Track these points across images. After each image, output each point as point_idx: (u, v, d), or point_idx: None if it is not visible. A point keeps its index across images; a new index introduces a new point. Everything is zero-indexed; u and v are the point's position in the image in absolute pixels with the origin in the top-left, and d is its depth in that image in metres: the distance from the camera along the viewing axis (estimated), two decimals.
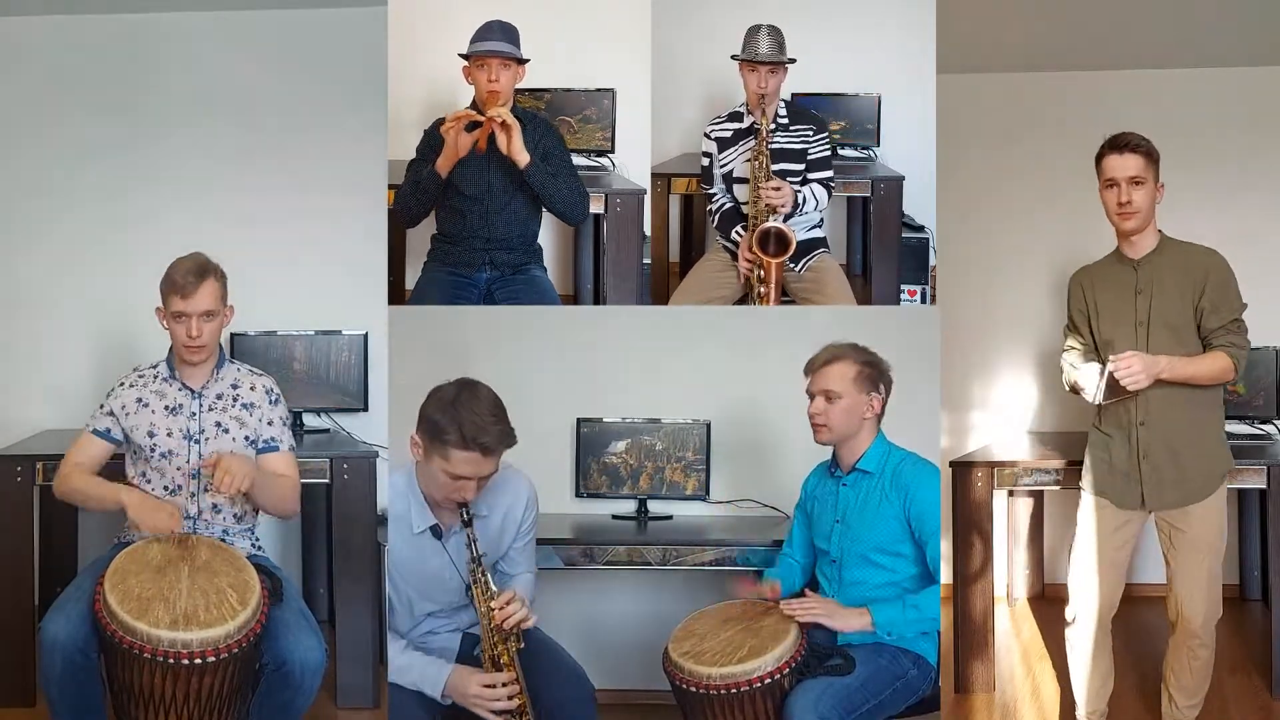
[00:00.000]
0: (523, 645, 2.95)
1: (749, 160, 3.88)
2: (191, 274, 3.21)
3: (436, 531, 2.97)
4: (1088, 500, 3.54)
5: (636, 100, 4.36)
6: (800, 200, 3.88)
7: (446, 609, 3.11)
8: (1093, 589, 3.49)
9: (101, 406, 3.33)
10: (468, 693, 2.90)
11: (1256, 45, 5.03)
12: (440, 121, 3.70)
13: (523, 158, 3.66)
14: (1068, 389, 3.58)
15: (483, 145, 3.64)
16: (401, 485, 3.03)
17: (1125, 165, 3.34)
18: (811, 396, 3.18)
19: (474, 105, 3.74)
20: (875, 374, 3.17)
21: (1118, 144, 3.36)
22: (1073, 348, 3.56)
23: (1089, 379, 3.40)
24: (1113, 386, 3.29)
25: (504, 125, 3.61)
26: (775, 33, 3.84)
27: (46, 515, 4.44)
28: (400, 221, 3.97)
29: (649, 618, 3.98)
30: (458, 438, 2.78)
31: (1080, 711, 3.63)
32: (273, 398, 3.38)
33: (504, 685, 2.90)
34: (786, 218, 3.83)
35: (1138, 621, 4.39)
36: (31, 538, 4.05)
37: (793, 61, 3.87)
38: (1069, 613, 3.56)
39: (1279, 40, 4.97)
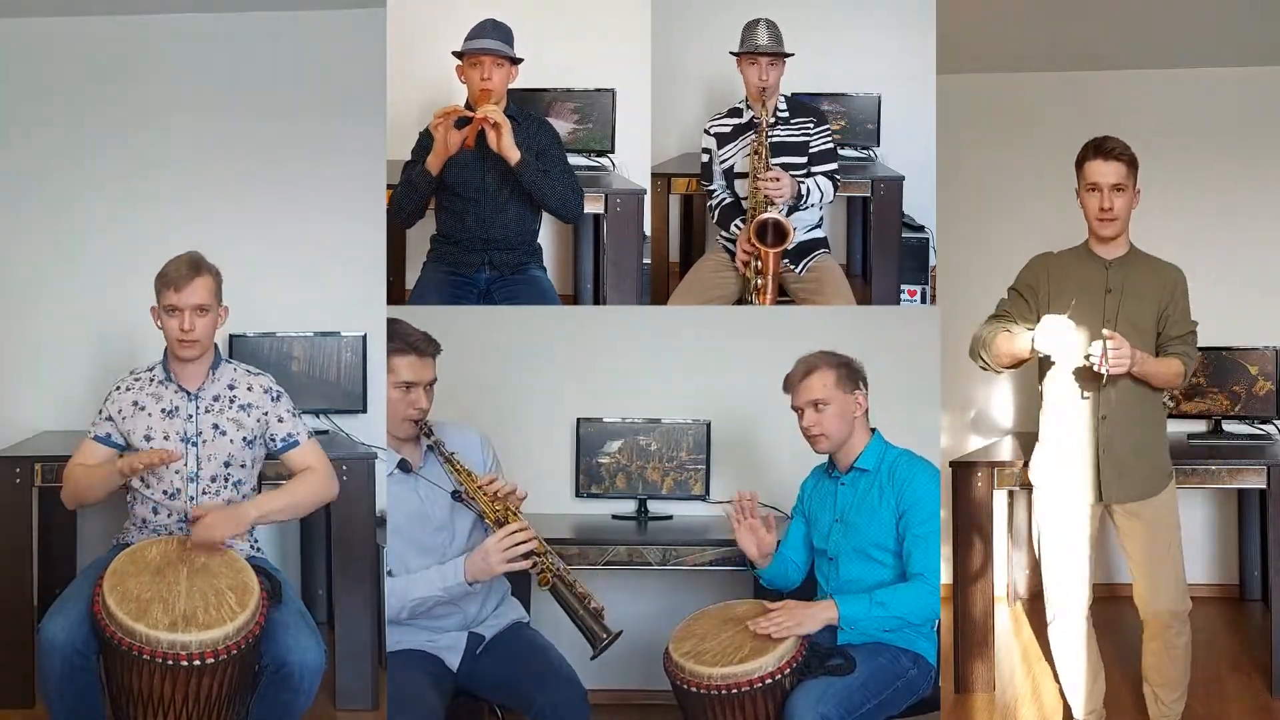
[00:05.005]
0: (524, 495, 3.10)
1: (749, 154, 3.88)
2: (185, 268, 3.22)
3: (404, 466, 3.16)
4: (1046, 496, 3.55)
5: (636, 100, 4.36)
6: (804, 191, 3.88)
7: (438, 556, 3.11)
8: (1066, 584, 3.52)
9: (100, 412, 3.31)
10: (490, 553, 3.00)
11: (1255, 46, 5.03)
12: None
13: (513, 155, 3.65)
14: (985, 352, 3.47)
15: (470, 142, 3.63)
16: (386, 453, 3.25)
17: (1109, 171, 3.40)
18: (799, 411, 3.19)
19: (468, 105, 3.73)
20: (851, 372, 3.20)
21: (1103, 150, 3.41)
22: (1005, 312, 3.53)
23: (1060, 340, 3.28)
24: (1085, 370, 3.28)
25: (494, 124, 3.61)
26: (773, 26, 3.86)
27: (46, 516, 4.44)
28: (396, 221, 3.97)
29: (649, 618, 3.97)
30: (398, 345, 3.15)
31: (1078, 713, 3.63)
32: (273, 395, 3.36)
33: (520, 531, 3.01)
34: (792, 210, 3.83)
35: (1123, 620, 4.38)
36: (31, 538, 4.04)
37: (790, 55, 3.88)
38: (1049, 613, 3.58)
39: (1277, 40, 4.97)
